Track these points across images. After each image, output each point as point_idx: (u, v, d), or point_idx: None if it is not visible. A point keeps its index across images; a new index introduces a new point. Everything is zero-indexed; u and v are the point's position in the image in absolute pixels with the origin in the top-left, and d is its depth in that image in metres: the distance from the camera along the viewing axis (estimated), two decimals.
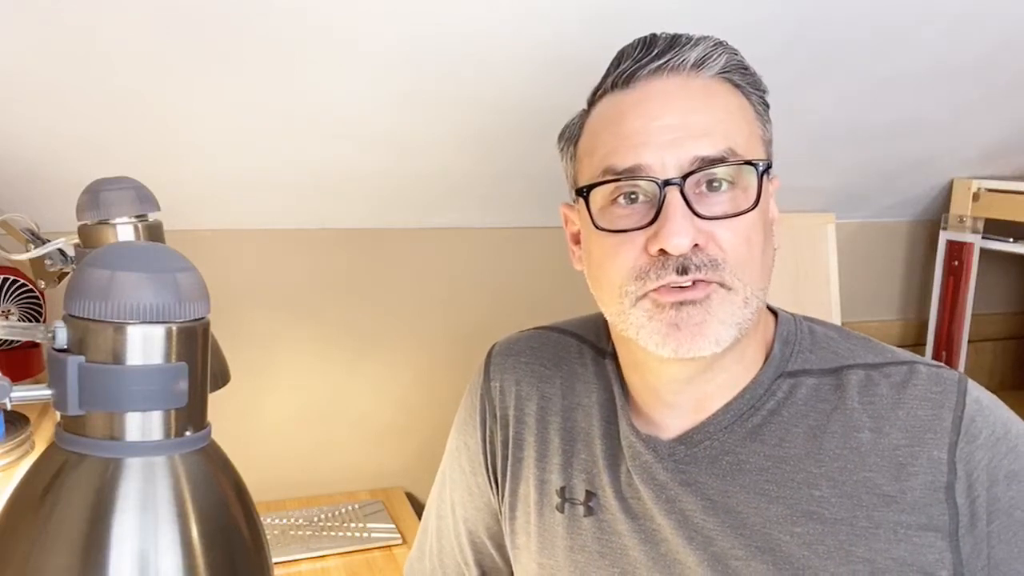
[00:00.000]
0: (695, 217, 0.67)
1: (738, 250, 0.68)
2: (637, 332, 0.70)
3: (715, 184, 0.69)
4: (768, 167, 0.72)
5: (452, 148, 1.31)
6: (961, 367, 1.77)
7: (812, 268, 1.67)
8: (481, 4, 1.03)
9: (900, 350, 0.78)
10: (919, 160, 1.66)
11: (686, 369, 0.72)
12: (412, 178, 1.37)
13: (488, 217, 1.53)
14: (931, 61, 1.34)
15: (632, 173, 0.69)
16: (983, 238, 1.72)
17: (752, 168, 0.70)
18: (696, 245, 0.67)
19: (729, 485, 0.73)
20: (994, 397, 0.74)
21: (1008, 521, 0.69)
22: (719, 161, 0.68)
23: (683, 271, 0.67)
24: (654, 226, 0.68)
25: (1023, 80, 1.45)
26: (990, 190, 1.70)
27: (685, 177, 0.68)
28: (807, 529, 0.70)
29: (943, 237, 1.79)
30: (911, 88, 1.40)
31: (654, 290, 0.68)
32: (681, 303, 0.67)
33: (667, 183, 0.67)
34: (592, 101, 0.77)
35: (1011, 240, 1.70)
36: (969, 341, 1.80)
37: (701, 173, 0.68)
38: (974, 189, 1.71)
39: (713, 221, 0.68)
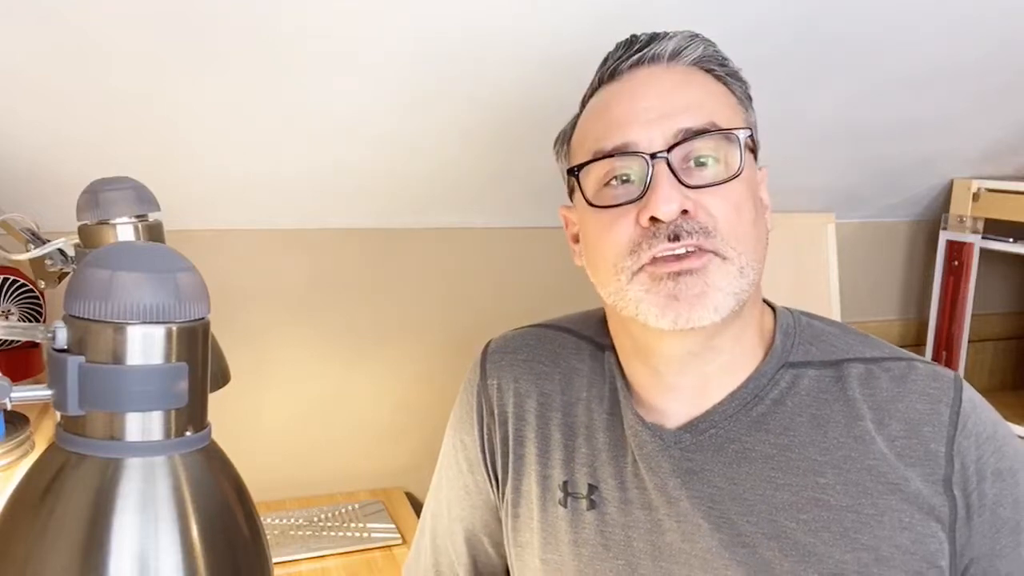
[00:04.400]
0: (682, 186, 0.70)
1: (728, 218, 0.70)
2: (636, 307, 0.71)
3: (701, 160, 0.72)
4: (750, 137, 0.74)
5: (451, 148, 1.30)
6: (961, 367, 1.77)
7: (812, 268, 1.67)
8: (481, 5, 1.03)
9: (896, 347, 0.80)
10: (919, 160, 1.66)
11: (685, 342, 0.73)
12: (412, 178, 1.36)
13: (488, 217, 1.53)
14: (931, 61, 1.34)
15: (620, 150, 0.72)
16: (983, 238, 1.72)
17: (735, 144, 0.72)
18: (685, 212, 0.69)
19: (735, 472, 0.74)
20: (983, 398, 0.77)
21: (992, 517, 0.72)
22: (702, 132, 0.71)
23: (675, 238, 0.69)
24: (644, 198, 0.70)
25: (1023, 80, 1.45)
26: (990, 190, 1.70)
27: (670, 149, 0.70)
28: (813, 516, 0.72)
29: (943, 237, 1.79)
30: (911, 88, 1.40)
31: (650, 263, 0.70)
32: (678, 273, 0.69)
33: (654, 156, 0.70)
34: (583, 103, 0.81)
35: (1011, 240, 1.70)
36: (969, 341, 1.79)
37: (686, 144, 0.71)
38: (974, 189, 1.71)
39: (701, 190, 0.71)
